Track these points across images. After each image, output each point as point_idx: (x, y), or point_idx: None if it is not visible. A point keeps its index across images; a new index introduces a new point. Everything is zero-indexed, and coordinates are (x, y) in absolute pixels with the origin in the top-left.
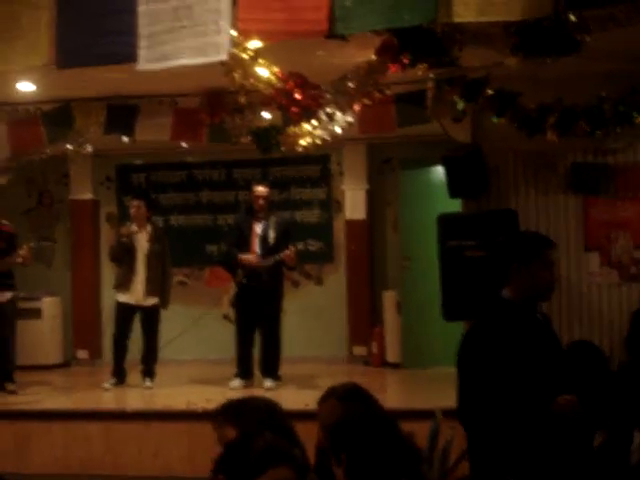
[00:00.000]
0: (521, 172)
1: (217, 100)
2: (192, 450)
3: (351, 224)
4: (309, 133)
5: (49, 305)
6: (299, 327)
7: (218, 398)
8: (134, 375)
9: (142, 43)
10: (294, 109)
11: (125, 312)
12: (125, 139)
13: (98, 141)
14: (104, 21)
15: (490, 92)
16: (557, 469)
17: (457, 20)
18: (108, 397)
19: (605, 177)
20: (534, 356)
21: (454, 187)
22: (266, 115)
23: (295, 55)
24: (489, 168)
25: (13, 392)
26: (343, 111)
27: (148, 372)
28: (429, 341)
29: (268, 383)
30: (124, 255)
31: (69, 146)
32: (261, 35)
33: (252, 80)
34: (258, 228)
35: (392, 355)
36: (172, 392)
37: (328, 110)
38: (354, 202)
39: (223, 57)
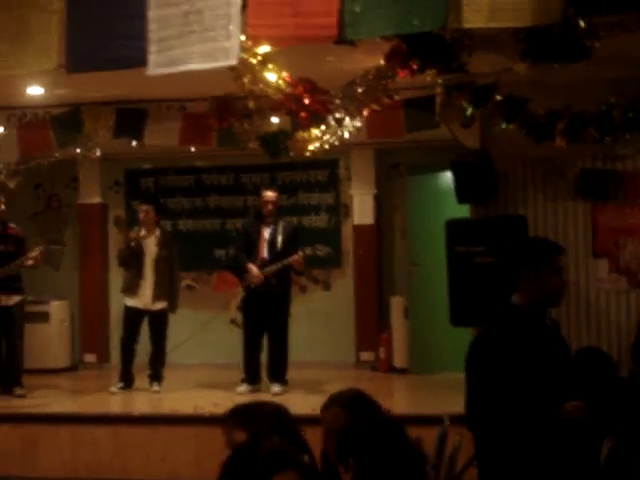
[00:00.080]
0: (530, 178)
1: (226, 105)
2: (199, 454)
3: (359, 229)
4: (318, 138)
5: (57, 309)
6: (306, 332)
7: (225, 402)
8: (142, 379)
9: (152, 48)
10: (303, 114)
11: (133, 316)
12: (134, 143)
13: (107, 145)
14: (114, 25)
15: (499, 98)
16: (565, 476)
17: (467, 26)
18: (116, 401)
19: (614, 183)
20: (543, 362)
21: (462, 193)
22: (275, 120)
23: (304, 60)
24: (498, 174)
25: (22, 396)
26: (352, 116)
27: (156, 376)
28: (436, 347)
29: (275, 388)
30: (132, 259)
31: (78, 150)
32: (271, 40)
33: (261, 85)
34: (266, 233)
35: (399, 360)
36: (180, 396)
37: (337, 115)
38: (362, 207)
39: (233, 62)
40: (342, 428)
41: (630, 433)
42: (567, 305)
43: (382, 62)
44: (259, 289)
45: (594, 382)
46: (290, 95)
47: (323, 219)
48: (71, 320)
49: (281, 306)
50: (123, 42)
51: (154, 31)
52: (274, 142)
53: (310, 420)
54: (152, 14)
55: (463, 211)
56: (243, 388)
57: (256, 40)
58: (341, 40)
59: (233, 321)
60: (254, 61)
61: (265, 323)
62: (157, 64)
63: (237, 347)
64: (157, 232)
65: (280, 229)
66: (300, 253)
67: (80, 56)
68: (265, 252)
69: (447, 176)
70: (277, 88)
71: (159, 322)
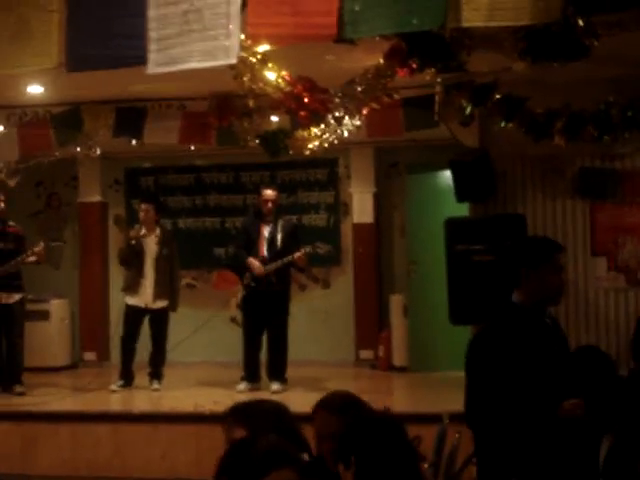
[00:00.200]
0: (529, 177)
1: (226, 103)
2: (199, 452)
3: (358, 228)
4: (317, 137)
5: (57, 307)
6: (306, 330)
7: (226, 401)
8: (142, 377)
9: (152, 46)
10: (302, 113)
11: (134, 315)
12: (134, 142)
13: (107, 144)
14: (114, 24)
15: (498, 97)
16: (564, 473)
17: (466, 25)
18: (116, 399)
19: (612, 182)
20: (542, 360)
21: (461, 191)
22: (274, 119)
23: (304, 59)
24: (497, 172)
25: (22, 394)
26: (351, 115)
27: (156, 374)
28: (436, 345)
29: (275, 386)
30: (133, 258)
31: (78, 149)
32: (270, 39)
33: (261, 84)
34: (266, 231)
35: (399, 359)
36: (180, 394)
37: (336, 114)
38: (362, 206)
39: (232, 61)
40: (335, 432)
41: (629, 431)
42: (566, 303)
43: (381, 61)
44: (259, 288)
45: (593, 380)
46: (290, 94)
47: (323, 218)
48: (71, 318)
49: (281, 304)
50: (123, 41)
51: (154, 30)
52: (274, 141)
53: (310, 418)
54: (152, 13)
55: (462, 210)
56: (243, 386)
57: (256, 39)
58: (340, 39)
59: (233, 319)
60: (254, 60)
61: (265, 321)
62: (157, 63)
63: (237, 345)
64: (157, 231)
65: (279, 227)
66: (303, 250)
67: (80, 55)
68: (265, 250)
69: (446, 175)
70: (277, 87)
71: (160, 321)
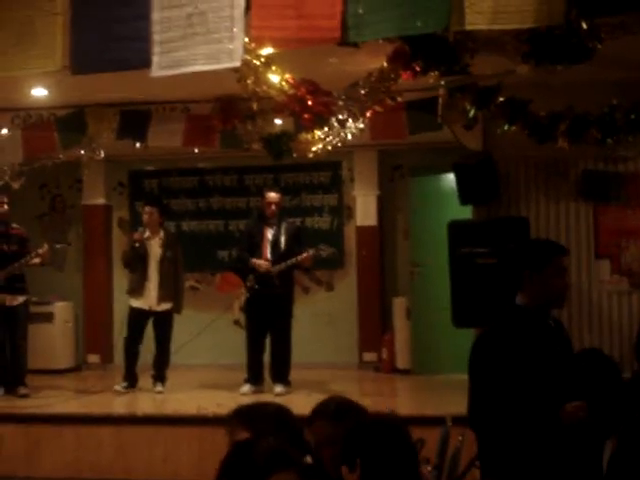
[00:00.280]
0: (532, 179)
1: (229, 106)
2: (202, 455)
3: (362, 230)
4: (321, 140)
5: (61, 309)
6: (309, 333)
7: (229, 403)
8: (145, 380)
9: (156, 49)
10: (306, 116)
11: (138, 317)
12: (138, 145)
13: (111, 147)
14: (118, 27)
15: (501, 99)
16: (567, 476)
17: (469, 28)
18: (119, 401)
19: (616, 185)
20: (545, 363)
21: (465, 194)
22: (278, 121)
23: (307, 62)
24: (500, 175)
25: (25, 396)
26: (355, 118)
27: (159, 377)
28: (439, 347)
29: (278, 389)
30: (137, 261)
31: (82, 151)
32: (274, 42)
33: (264, 87)
34: (269, 234)
35: (402, 361)
36: (183, 397)
37: (340, 117)
38: (365, 208)
39: (236, 64)
40: (332, 438)
41: (632, 434)
42: (569, 306)
43: (385, 64)
44: (262, 290)
45: (596, 383)
46: (293, 97)
47: (326, 220)
48: (75, 321)
49: (284, 307)
50: (127, 44)
51: (158, 33)
52: (277, 143)
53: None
54: (156, 16)
55: (465, 212)
56: (246, 389)
57: (259, 42)
58: (344, 42)
59: (236, 322)
60: (257, 63)
61: (268, 324)
62: (161, 66)
63: (240, 348)
64: (161, 233)
65: (283, 230)
66: (309, 251)
67: (84, 58)
68: (268, 253)
69: (450, 178)
70: (280, 90)
71: (164, 323)
